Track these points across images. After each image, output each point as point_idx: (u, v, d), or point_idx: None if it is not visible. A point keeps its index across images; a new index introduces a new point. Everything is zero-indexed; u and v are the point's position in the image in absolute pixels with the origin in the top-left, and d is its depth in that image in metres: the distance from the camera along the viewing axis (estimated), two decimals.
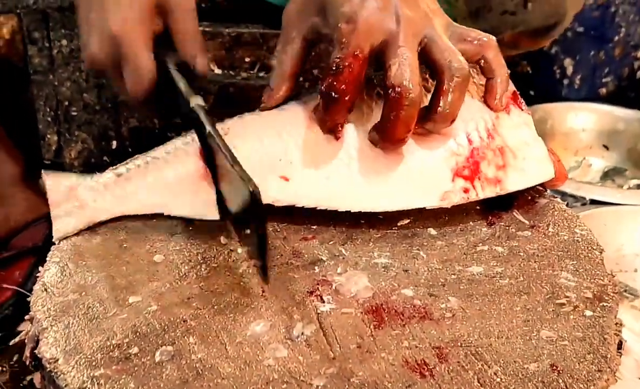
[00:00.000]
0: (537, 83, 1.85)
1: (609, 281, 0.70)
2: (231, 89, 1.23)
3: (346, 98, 0.74)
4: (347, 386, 0.58)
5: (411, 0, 0.76)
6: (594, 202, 1.36)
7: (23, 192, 1.34)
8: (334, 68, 0.73)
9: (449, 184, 0.77)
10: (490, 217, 0.79)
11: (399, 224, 0.78)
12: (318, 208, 0.76)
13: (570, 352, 0.62)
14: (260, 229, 0.67)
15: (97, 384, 0.58)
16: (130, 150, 1.28)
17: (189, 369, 0.60)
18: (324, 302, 0.67)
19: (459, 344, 0.62)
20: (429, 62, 0.75)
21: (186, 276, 0.70)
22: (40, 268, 0.72)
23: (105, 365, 0.60)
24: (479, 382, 0.59)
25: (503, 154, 0.78)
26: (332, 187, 0.77)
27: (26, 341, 0.66)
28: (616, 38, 1.82)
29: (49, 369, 0.60)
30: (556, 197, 0.82)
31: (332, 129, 0.77)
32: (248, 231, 0.70)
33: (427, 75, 0.79)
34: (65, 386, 0.59)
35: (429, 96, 0.76)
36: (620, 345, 0.64)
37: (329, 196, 0.77)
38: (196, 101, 0.76)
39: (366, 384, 0.58)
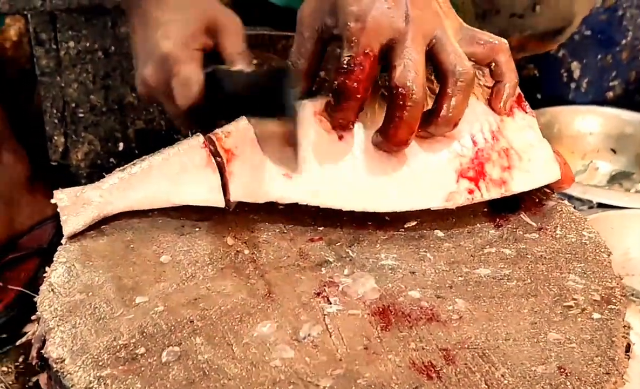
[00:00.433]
0: (545, 86, 1.84)
1: (617, 284, 0.70)
2: None
3: (358, 96, 0.74)
4: (353, 388, 0.58)
5: (422, 0, 0.76)
6: (601, 206, 1.36)
7: (29, 194, 1.34)
8: (345, 67, 0.73)
9: (454, 185, 0.77)
10: (497, 220, 0.79)
11: (406, 226, 0.77)
12: (322, 207, 0.76)
13: (578, 354, 0.62)
14: None
15: (104, 384, 0.58)
16: (136, 152, 1.28)
17: (195, 370, 0.60)
18: (330, 303, 0.67)
19: (466, 346, 0.62)
20: (435, 64, 0.75)
21: (193, 277, 0.70)
22: (47, 268, 0.72)
23: (112, 365, 0.60)
24: (486, 384, 0.59)
25: (508, 156, 0.78)
26: (336, 186, 0.76)
27: (33, 341, 0.66)
28: (624, 42, 1.81)
29: (55, 369, 0.60)
30: (563, 200, 0.82)
31: (342, 127, 0.77)
32: None
33: (433, 77, 0.79)
34: (72, 386, 0.59)
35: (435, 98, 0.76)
36: (628, 348, 0.64)
37: (333, 195, 0.76)
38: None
39: (373, 386, 0.58)
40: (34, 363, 0.65)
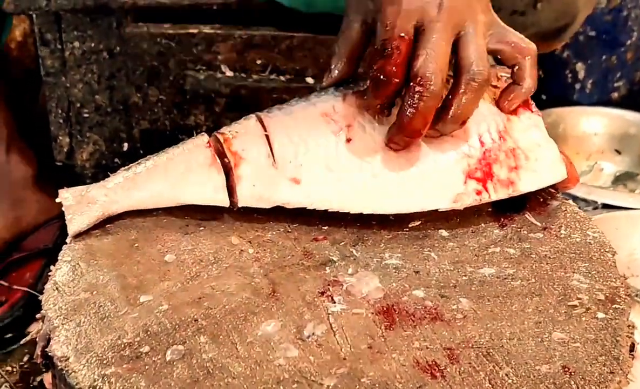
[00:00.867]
0: (549, 87, 1.84)
1: (621, 283, 0.70)
2: (242, 91, 1.23)
3: (396, 81, 0.73)
4: (357, 387, 0.58)
5: None
6: (606, 207, 1.36)
7: (35, 195, 1.35)
8: (382, 51, 0.73)
9: (462, 186, 0.77)
10: (502, 219, 0.79)
11: (410, 225, 0.77)
12: (329, 211, 0.76)
13: (582, 354, 0.62)
14: None
15: (108, 382, 0.58)
16: (141, 152, 1.28)
17: (199, 369, 0.60)
18: (334, 302, 0.67)
19: (470, 345, 0.62)
20: (455, 57, 0.75)
21: (197, 276, 0.70)
22: (51, 267, 0.72)
23: (116, 364, 0.60)
24: (490, 383, 0.59)
25: (515, 156, 0.78)
26: (343, 189, 0.77)
27: (37, 339, 0.66)
28: (628, 42, 1.81)
29: (60, 367, 0.61)
30: (568, 200, 0.82)
31: (380, 112, 0.77)
32: None
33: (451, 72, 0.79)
34: (76, 384, 0.59)
35: None
36: (632, 347, 0.64)
37: (340, 199, 0.77)
38: None
39: (377, 385, 0.58)
40: (38, 362, 0.66)
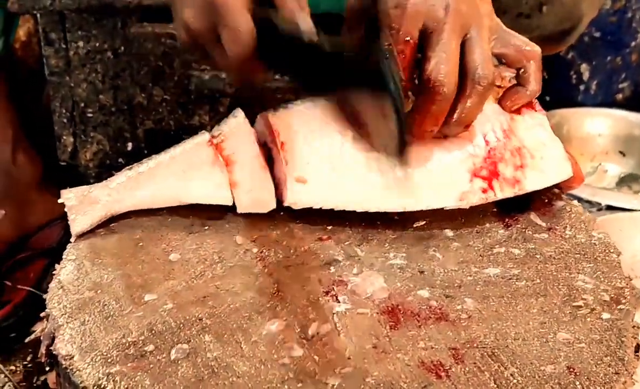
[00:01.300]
0: (554, 88, 1.83)
1: (626, 284, 0.70)
2: (247, 91, 1.23)
3: (402, 84, 0.73)
4: (362, 386, 0.58)
5: None
6: (610, 208, 1.36)
7: (39, 195, 1.35)
8: (387, 55, 0.73)
9: (467, 184, 0.76)
10: (506, 219, 0.79)
11: (415, 225, 0.77)
12: (335, 210, 0.76)
13: (587, 354, 0.62)
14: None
15: (113, 381, 0.58)
16: (145, 151, 1.28)
17: (204, 368, 0.60)
18: (339, 302, 0.67)
19: (475, 345, 0.62)
20: (461, 60, 0.75)
21: (202, 275, 0.70)
22: (56, 266, 0.72)
23: (121, 362, 0.60)
24: (495, 383, 0.58)
25: (520, 155, 0.78)
26: (349, 189, 0.77)
27: (42, 338, 0.66)
28: (633, 43, 1.81)
29: (64, 366, 0.61)
30: (573, 200, 0.82)
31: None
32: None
33: None
34: (81, 382, 0.59)
35: None
36: (637, 348, 0.64)
37: (346, 198, 0.77)
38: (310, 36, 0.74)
39: (382, 385, 0.58)
40: (43, 360, 0.66)
